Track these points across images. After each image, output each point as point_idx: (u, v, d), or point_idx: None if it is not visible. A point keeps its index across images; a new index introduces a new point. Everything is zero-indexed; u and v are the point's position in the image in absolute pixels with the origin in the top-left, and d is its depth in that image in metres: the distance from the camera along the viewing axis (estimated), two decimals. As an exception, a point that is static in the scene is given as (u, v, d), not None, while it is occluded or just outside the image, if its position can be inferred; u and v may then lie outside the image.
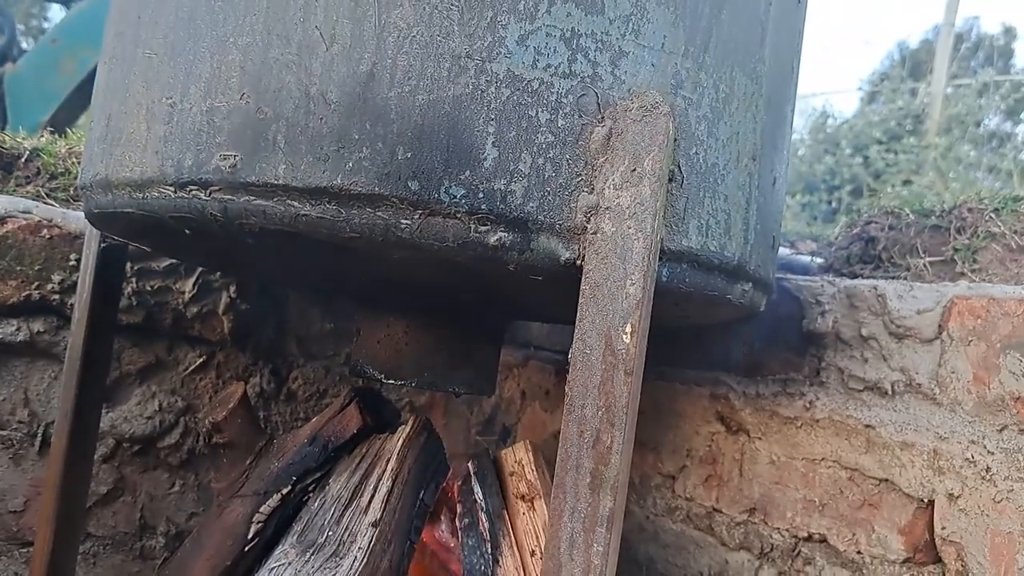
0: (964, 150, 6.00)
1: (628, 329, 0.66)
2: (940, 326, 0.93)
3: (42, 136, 1.43)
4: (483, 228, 0.68)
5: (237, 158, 0.69)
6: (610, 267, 0.67)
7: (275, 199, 0.68)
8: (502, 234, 0.68)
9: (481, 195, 0.67)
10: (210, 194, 0.70)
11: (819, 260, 1.36)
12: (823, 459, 1.04)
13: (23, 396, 1.18)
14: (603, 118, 0.69)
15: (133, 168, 0.75)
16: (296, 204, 0.68)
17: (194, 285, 1.23)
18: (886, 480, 0.96)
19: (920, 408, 0.94)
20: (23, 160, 1.31)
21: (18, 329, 1.15)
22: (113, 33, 0.84)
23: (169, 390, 1.27)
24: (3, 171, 1.30)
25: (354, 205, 0.67)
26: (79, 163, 1.33)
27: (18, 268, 1.12)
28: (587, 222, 0.68)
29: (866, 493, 0.99)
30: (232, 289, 1.27)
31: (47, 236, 1.14)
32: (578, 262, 0.69)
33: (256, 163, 0.68)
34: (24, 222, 1.13)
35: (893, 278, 1.18)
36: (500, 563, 0.89)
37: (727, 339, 1.20)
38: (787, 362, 1.11)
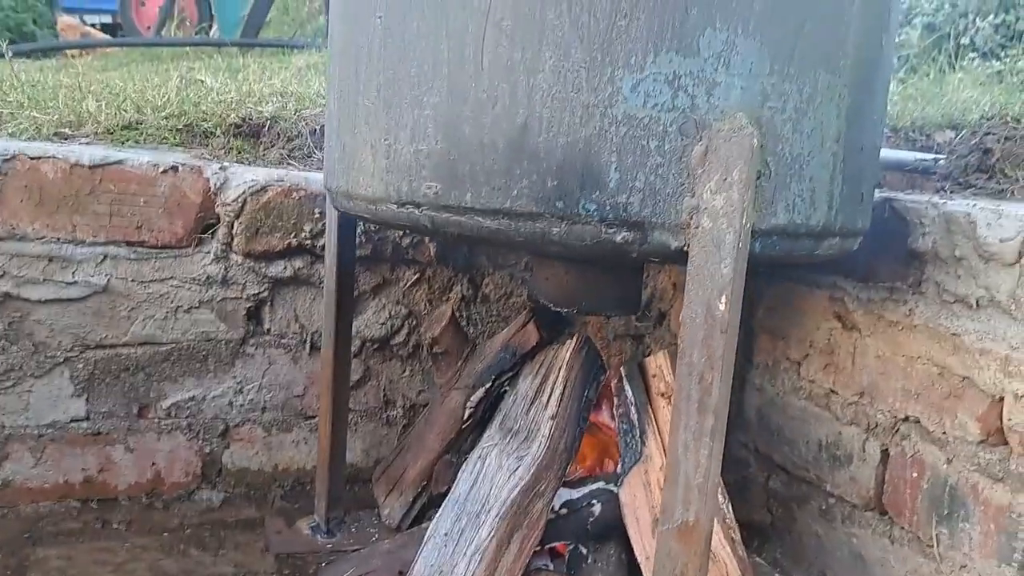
0: None
1: (723, 300, 0.91)
2: (1020, 252, 1.09)
3: (270, 103, 1.78)
4: (611, 230, 0.93)
5: (438, 187, 0.98)
6: (708, 254, 0.91)
7: (466, 216, 0.97)
8: (625, 234, 0.93)
9: (608, 208, 0.92)
10: (421, 211, 1.00)
11: (925, 160, 1.46)
12: (919, 357, 1.24)
13: (293, 314, 1.60)
14: (700, 137, 0.91)
15: (366, 188, 1.06)
16: (480, 220, 0.96)
17: (404, 222, 1.57)
18: (967, 378, 1.16)
19: (998, 321, 1.12)
20: (266, 127, 1.68)
21: (284, 268, 1.55)
22: (338, 75, 1.13)
23: (395, 301, 1.65)
24: (253, 138, 1.67)
25: (519, 220, 0.95)
26: (308, 125, 1.68)
27: (279, 224, 1.51)
28: (690, 219, 0.92)
29: (952, 387, 1.19)
30: (432, 221, 1.60)
31: (296, 198, 1.51)
32: (684, 248, 0.93)
33: (451, 191, 0.97)
34: (279, 188, 1.50)
35: (1002, 191, 1.30)
36: (646, 444, 1.21)
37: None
38: (895, 272, 1.29)
